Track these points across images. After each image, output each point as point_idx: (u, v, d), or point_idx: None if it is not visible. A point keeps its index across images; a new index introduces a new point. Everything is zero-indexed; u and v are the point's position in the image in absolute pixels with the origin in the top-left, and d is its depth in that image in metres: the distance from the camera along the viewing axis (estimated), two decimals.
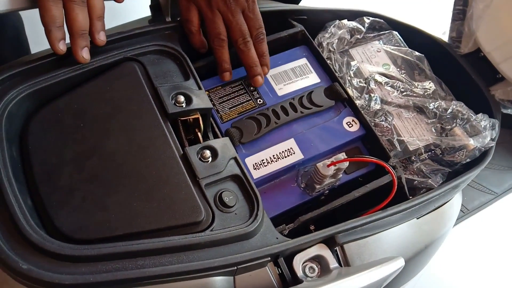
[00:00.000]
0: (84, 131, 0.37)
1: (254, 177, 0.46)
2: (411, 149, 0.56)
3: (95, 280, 0.29)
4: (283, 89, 0.52)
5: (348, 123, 0.51)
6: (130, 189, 0.35)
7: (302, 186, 0.48)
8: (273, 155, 0.47)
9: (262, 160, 0.47)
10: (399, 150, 0.55)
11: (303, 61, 0.54)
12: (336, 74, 0.59)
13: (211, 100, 0.49)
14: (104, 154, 0.36)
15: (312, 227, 0.48)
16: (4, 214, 0.31)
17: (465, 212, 0.89)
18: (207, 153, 0.38)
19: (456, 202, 0.58)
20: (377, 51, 0.65)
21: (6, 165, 0.33)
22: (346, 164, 0.44)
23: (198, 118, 0.42)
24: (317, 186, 0.46)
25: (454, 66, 0.69)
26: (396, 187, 0.44)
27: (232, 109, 0.50)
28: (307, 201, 0.48)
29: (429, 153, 0.57)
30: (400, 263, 0.38)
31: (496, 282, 1.12)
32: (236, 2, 0.47)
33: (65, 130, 0.37)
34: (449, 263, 1.11)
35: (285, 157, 0.47)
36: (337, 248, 0.41)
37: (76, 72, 0.39)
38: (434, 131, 0.57)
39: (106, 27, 0.48)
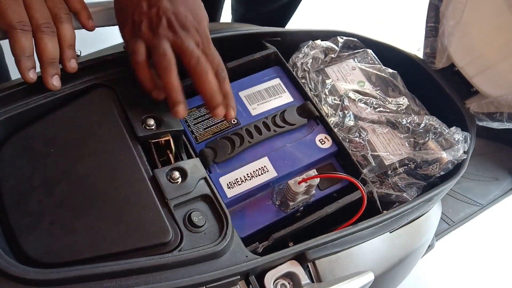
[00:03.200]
0: (54, 156, 0.38)
1: (228, 196, 0.46)
2: (386, 164, 0.57)
3: None
4: (256, 109, 0.53)
5: (321, 140, 0.52)
6: (98, 212, 0.36)
7: (277, 203, 0.49)
8: (247, 174, 0.48)
9: (236, 179, 0.47)
10: (374, 165, 0.56)
11: (277, 81, 0.56)
12: (311, 93, 0.61)
13: (185, 122, 0.50)
14: (73, 179, 0.37)
15: (291, 244, 0.49)
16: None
17: (451, 225, 0.90)
18: (176, 174, 0.39)
19: (433, 214, 0.58)
20: (352, 69, 0.67)
21: None
22: (317, 180, 0.45)
23: (169, 140, 0.43)
24: (291, 203, 0.47)
25: (429, 81, 0.71)
26: (365, 201, 0.44)
27: (206, 130, 0.51)
28: (283, 218, 0.48)
29: (404, 167, 0.58)
30: (369, 277, 0.38)
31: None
32: (187, 32, 0.41)
33: (35, 156, 0.38)
34: (436, 275, 1.11)
35: (259, 175, 0.48)
36: (308, 264, 0.41)
37: (48, 99, 0.40)
38: (407, 145, 0.58)
39: (83, 54, 0.50)
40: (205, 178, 0.41)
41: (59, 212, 0.35)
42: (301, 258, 0.40)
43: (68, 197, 0.36)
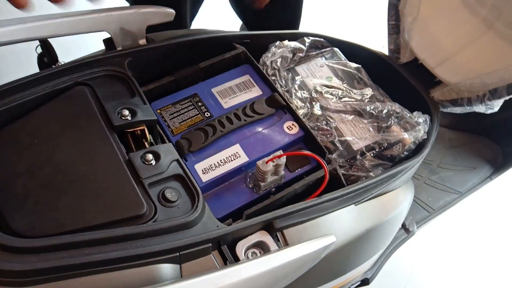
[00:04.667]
0: (37, 146, 0.42)
1: (203, 180, 0.50)
2: (354, 149, 0.61)
3: (42, 266, 0.33)
4: (228, 102, 0.57)
5: (289, 127, 0.56)
6: (78, 191, 0.40)
7: (250, 186, 0.52)
8: (220, 160, 0.52)
9: (210, 165, 0.51)
10: (342, 149, 0.60)
11: (246, 77, 0.60)
12: (282, 89, 0.65)
13: (162, 117, 0.55)
14: (55, 164, 0.41)
15: None
16: None
17: (431, 212, 0.93)
18: (150, 156, 0.43)
19: (402, 193, 0.62)
20: (320, 66, 0.72)
21: None
22: (283, 159, 0.49)
23: (144, 129, 0.47)
24: (262, 184, 0.51)
25: (396, 75, 0.75)
26: (327, 175, 0.48)
27: (181, 123, 0.55)
28: (256, 199, 0.52)
29: (372, 152, 0.62)
30: (331, 239, 0.42)
31: (463, 278, 1.13)
32: None
33: (20, 146, 0.42)
34: (418, 261, 1.14)
35: (232, 160, 0.52)
36: (277, 234, 0.45)
37: (31, 97, 0.45)
38: (372, 130, 0.62)
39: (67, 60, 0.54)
40: (177, 160, 0.45)
41: (43, 193, 0.39)
42: (269, 228, 0.44)
43: (51, 180, 0.40)
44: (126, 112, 0.45)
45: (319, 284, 0.50)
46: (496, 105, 0.69)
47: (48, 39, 0.56)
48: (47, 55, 0.57)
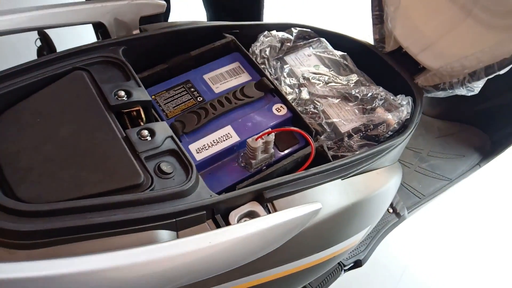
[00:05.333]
0: (40, 125, 0.45)
1: (197, 159, 0.53)
2: (342, 131, 0.64)
3: (48, 228, 0.36)
4: (219, 87, 0.60)
5: (277, 109, 0.59)
6: (79, 164, 0.42)
7: (242, 165, 0.55)
8: (213, 140, 0.55)
9: (203, 145, 0.54)
10: (329, 131, 0.63)
11: (236, 64, 0.63)
12: (271, 77, 0.68)
13: (157, 102, 0.57)
14: (57, 140, 0.44)
15: None
16: None
17: (421, 198, 0.96)
18: (145, 132, 0.46)
19: (388, 172, 0.65)
20: (308, 55, 0.75)
21: None
22: (272, 136, 0.52)
23: (139, 110, 0.49)
24: (253, 162, 0.53)
25: (381, 64, 0.78)
26: (313, 150, 0.51)
27: (175, 108, 0.58)
28: (248, 176, 0.54)
29: (359, 134, 0.65)
30: (317, 206, 0.45)
31: (454, 263, 1.16)
32: None
33: (24, 125, 0.45)
34: (409, 246, 1.17)
35: (224, 140, 0.55)
36: (268, 204, 0.47)
37: (33, 80, 0.47)
38: (357, 112, 0.66)
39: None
40: (171, 137, 0.47)
41: (46, 166, 0.42)
42: (260, 198, 0.47)
43: (53, 154, 0.43)
44: (122, 93, 0.48)
45: (310, 253, 0.52)
46: (476, 87, 0.72)
47: (47, 32, 0.59)
48: (46, 47, 0.60)
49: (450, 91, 0.74)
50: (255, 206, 0.46)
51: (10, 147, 0.43)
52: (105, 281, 0.33)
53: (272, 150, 0.54)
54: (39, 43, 0.62)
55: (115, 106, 0.47)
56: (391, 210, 0.88)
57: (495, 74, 0.67)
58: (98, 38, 0.61)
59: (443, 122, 1.14)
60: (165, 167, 0.44)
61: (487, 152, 1.07)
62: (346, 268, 0.75)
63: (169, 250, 0.36)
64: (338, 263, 0.74)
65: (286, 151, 0.57)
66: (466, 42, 0.75)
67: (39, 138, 0.44)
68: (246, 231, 0.40)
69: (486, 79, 0.70)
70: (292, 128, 0.54)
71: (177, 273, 0.36)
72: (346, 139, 0.64)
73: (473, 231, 1.23)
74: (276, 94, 0.60)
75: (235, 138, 0.55)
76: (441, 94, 0.76)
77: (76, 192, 0.40)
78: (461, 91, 0.73)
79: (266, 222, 0.41)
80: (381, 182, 0.61)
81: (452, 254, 1.18)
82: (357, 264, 0.78)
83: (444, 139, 1.11)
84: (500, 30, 0.70)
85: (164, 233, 0.41)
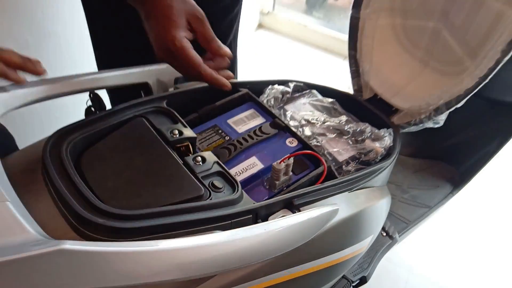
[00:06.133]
0: (117, 158, 0.57)
1: None
2: (340, 160, 0.79)
3: (141, 225, 0.47)
4: (241, 128, 0.75)
5: (290, 142, 0.73)
6: (153, 184, 0.54)
7: (267, 187, 0.68)
8: (242, 168, 0.68)
9: (235, 173, 0.67)
10: (330, 159, 0.78)
11: (252, 111, 0.79)
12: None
13: None
14: (132, 168, 0.56)
15: None
16: (83, 200, 0.49)
17: (408, 223, 1.10)
18: (199, 158, 0.59)
19: (382, 190, 0.79)
20: (303, 104, 0.92)
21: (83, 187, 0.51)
22: (291, 160, 0.66)
23: (188, 145, 0.63)
24: (277, 182, 0.67)
25: (362, 109, 0.96)
26: (326, 167, 0.66)
27: (208, 146, 0.71)
28: (272, 196, 0.67)
29: (355, 161, 0.80)
30: (334, 207, 0.58)
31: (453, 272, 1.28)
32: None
33: (105, 159, 0.57)
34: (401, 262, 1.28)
35: (251, 168, 0.68)
36: (295, 211, 0.60)
37: (105, 126, 0.61)
38: (351, 143, 0.81)
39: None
40: (217, 162, 0.61)
41: (128, 187, 0.54)
42: (290, 206, 0.59)
43: (132, 178, 0.55)
44: (176, 132, 0.62)
45: (328, 253, 0.64)
46: (441, 120, 0.90)
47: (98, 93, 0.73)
48: (97, 106, 0.73)
49: (420, 125, 0.92)
50: (286, 212, 0.59)
51: (97, 175, 0.55)
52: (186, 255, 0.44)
53: (291, 173, 0.68)
54: (89, 103, 0.75)
55: (172, 141, 0.61)
56: (384, 234, 1.01)
57: (454, 108, 0.85)
58: (140, 95, 0.76)
59: (417, 160, 1.32)
60: (217, 183, 0.57)
61: (457, 182, 1.24)
62: (354, 284, 0.86)
63: (236, 234, 0.48)
64: (347, 279, 0.85)
65: (300, 174, 0.70)
66: (428, 86, 0.95)
67: (118, 167, 0.56)
68: (286, 223, 0.52)
69: (448, 112, 0.88)
70: (308, 151, 0.69)
71: (241, 252, 0.48)
72: (344, 166, 0.78)
73: (471, 242, 1.36)
74: (287, 131, 0.75)
75: (260, 166, 0.69)
76: (413, 128, 0.94)
77: (154, 203, 0.52)
78: (429, 124, 0.91)
79: (300, 217, 0.54)
80: (377, 197, 0.75)
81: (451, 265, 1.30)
82: (363, 280, 0.89)
83: (419, 173, 1.28)
84: (452, 75, 0.90)
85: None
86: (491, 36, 0.79)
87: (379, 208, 0.76)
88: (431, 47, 0.95)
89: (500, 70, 0.98)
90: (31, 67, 0.59)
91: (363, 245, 0.73)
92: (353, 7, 0.96)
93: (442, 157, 1.30)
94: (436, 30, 0.92)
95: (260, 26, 2.28)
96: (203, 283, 0.51)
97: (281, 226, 0.52)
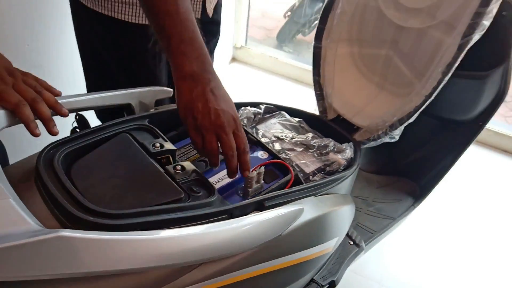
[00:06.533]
0: (104, 167, 0.63)
1: None
2: (307, 171, 0.87)
3: (127, 223, 0.53)
4: None
5: (261, 155, 0.81)
6: (138, 189, 0.61)
7: (241, 195, 0.75)
8: (219, 178, 0.75)
9: (212, 182, 0.74)
10: (298, 171, 0.86)
11: None
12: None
13: None
14: (119, 176, 0.62)
15: None
16: (74, 202, 0.54)
17: (373, 233, 1.18)
18: (178, 167, 0.66)
19: (345, 197, 0.87)
20: (274, 123, 1.01)
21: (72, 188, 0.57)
22: (263, 168, 0.74)
23: (169, 157, 0.70)
24: (250, 190, 0.74)
25: (327, 128, 1.05)
26: (293, 174, 0.73)
27: (187, 159, 0.78)
28: None
29: (321, 172, 0.88)
30: (300, 206, 0.66)
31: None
32: (229, 125, 0.64)
33: (93, 169, 0.63)
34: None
35: (225, 178, 0.75)
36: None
37: (93, 140, 0.67)
38: (316, 155, 0.90)
39: None
40: (195, 170, 0.68)
41: (114, 192, 0.60)
42: (261, 208, 0.67)
43: (117, 185, 0.61)
44: (157, 145, 0.69)
45: (298, 250, 0.71)
46: (396, 135, 1.00)
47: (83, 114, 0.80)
48: (82, 127, 0.79)
49: (379, 140, 1.02)
50: (258, 213, 0.66)
51: (85, 183, 0.61)
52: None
53: (262, 181, 0.76)
54: (75, 124, 0.82)
55: (154, 153, 0.68)
56: (352, 242, 1.08)
57: (406, 123, 0.96)
58: (123, 115, 0.83)
59: (381, 177, 1.42)
60: (195, 188, 0.64)
61: (417, 195, 1.34)
62: (324, 287, 0.92)
63: (209, 228, 0.55)
64: (317, 283, 0.91)
65: (271, 183, 0.78)
66: (384, 106, 1.06)
67: (105, 175, 0.62)
68: (256, 219, 0.59)
69: (402, 128, 0.99)
70: (277, 160, 0.76)
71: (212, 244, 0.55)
72: (311, 177, 0.87)
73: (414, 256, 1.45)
74: (259, 145, 0.83)
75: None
76: (373, 143, 1.04)
77: (138, 205, 0.58)
78: (386, 139, 1.01)
79: (268, 214, 0.61)
80: (341, 203, 0.83)
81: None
82: (332, 284, 0.95)
83: (383, 188, 1.37)
84: (404, 95, 1.01)
85: None
86: (433, 60, 0.91)
87: (342, 213, 0.84)
88: (385, 72, 1.07)
89: (446, 91, 1.11)
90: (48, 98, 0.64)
91: (328, 246, 0.80)
92: (316, 38, 1.08)
93: (404, 173, 1.40)
94: (388, 57, 1.05)
95: (233, 59, 2.40)
96: (182, 276, 0.57)
97: (252, 222, 0.59)
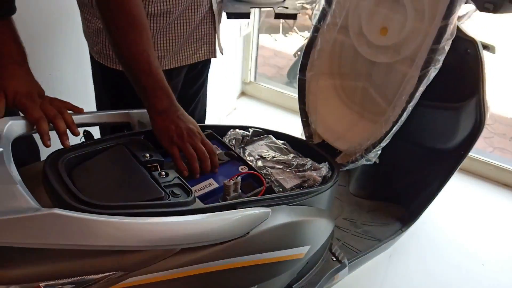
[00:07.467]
0: (100, 171, 0.76)
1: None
2: (286, 187, 0.97)
3: (113, 212, 0.64)
4: None
5: (241, 168, 0.92)
6: (126, 190, 0.72)
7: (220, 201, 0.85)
8: (201, 187, 0.86)
9: (194, 190, 0.85)
10: (277, 186, 0.96)
11: (214, 146, 0.98)
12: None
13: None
14: (111, 178, 0.74)
15: None
16: (70, 195, 0.66)
17: (358, 253, 1.24)
18: (163, 173, 0.77)
19: (320, 212, 0.96)
20: (261, 145, 1.12)
21: (69, 183, 0.69)
22: (239, 178, 0.84)
23: (157, 165, 0.82)
24: (227, 197, 0.84)
25: (312, 152, 1.15)
26: (265, 183, 0.84)
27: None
28: None
29: (299, 187, 0.98)
30: (267, 210, 0.75)
31: None
32: (196, 137, 0.87)
33: (90, 172, 0.75)
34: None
35: (208, 187, 0.86)
36: None
37: (93, 149, 0.80)
38: (294, 173, 1.00)
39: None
40: (177, 177, 0.79)
41: (106, 190, 0.71)
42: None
43: (110, 185, 0.72)
44: (147, 155, 0.81)
45: (262, 251, 0.79)
46: (372, 158, 1.10)
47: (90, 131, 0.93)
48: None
49: (356, 163, 1.12)
50: None
51: (83, 183, 0.73)
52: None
53: (240, 191, 0.86)
54: (83, 139, 0.95)
55: (143, 161, 0.79)
56: (334, 258, 1.15)
57: (379, 146, 1.06)
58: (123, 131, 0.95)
59: (372, 202, 1.49)
60: (176, 190, 0.75)
61: (406, 220, 1.41)
62: None
63: (182, 218, 0.65)
64: None
65: (249, 194, 0.88)
66: (363, 132, 1.16)
67: (100, 178, 0.74)
68: (224, 215, 0.70)
69: (377, 152, 1.08)
70: (251, 171, 0.87)
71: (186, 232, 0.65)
72: (289, 192, 0.96)
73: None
74: (241, 160, 0.94)
75: (215, 185, 0.87)
76: (351, 166, 1.13)
77: (124, 201, 0.69)
78: (363, 162, 1.11)
79: (236, 212, 0.71)
80: (314, 215, 0.92)
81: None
82: None
83: (372, 213, 1.44)
84: (379, 123, 1.11)
85: None
86: (399, 90, 1.01)
87: (316, 224, 0.92)
88: (363, 101, 1.18)
89: (426, 121, 1.20)
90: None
91: (299, 252, 0.88)
92: (300, 71, 1.20)
93: (393, 199, 1.47)
94: (365, 88, 1.16)
95: (242, 93, 2.56)
96: (160, 261, 0.66)
97: (220, 217, 0.69)
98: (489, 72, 1.15)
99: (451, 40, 0.91)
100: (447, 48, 0.91)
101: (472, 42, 1.06)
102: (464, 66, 1.11)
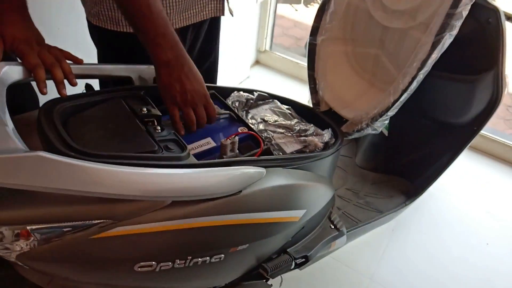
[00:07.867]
0: (96, 122, 0.75)
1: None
2: (287, 151, 0.95)
3: (103, 162, 0.64)
4: None
5: (241, 129, 0.91)
6: (119, 140, 0.72)
7: None
8: (198, 145, 0.85)
9: (191, 148, 0.84)
10: (277, 149, 0.94)
11: (216, 107, 0.97)
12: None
13: None
14: (106, 130, 0.74)
15: None
16: (62, 142, 0.66)
17: (358, 223, 1.23)
18: (159, 128, 0.77)
19: (319, 178, 0.94)
20: (265, 109, 1.10)
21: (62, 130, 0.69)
22: (237, 138, 0.83)
23: (154, 120, 0.81)
24: (224, 157, 0.83)
25: (318, 119, 1.12)
26: (262, 144, 0.82)
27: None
28: None
29: (301, 153, 0.96)
30: (259, 169, 0.74)
31: None
32: (200, 101, 0.83)
33: (86, 122, 0.75)
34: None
35: (205, 145, 0.85)
36: None
37: (93, 100, 0.79)
38: (296, 138, 0.98)
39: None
40: (174, 133, 0.78)
41: (100, 141, 0.71)
42: None
43: (104, 136, 0.72)
44: (145, 109, 0.80)
45: (256, 211, 0.79)
46: (377, 127, 1.06)
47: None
48: None
49: (362, 132, 1.09)
50: None
51: (77, 132, 0.72)
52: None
53: (237, 151, 0.84)
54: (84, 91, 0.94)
55: (140, 116, 0.79)
56: (332, 226, 1.14)
57: (386, 116, 1.02)
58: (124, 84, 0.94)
59: (376, 174, 1.46)
60: (170, 145, 0.74)
61: (410, 194, 1.38)
62: (296, 260, 0.99)
63: (172, 170, 0.64)
64: (290, 255, 0.98)
65: (246, 154, 0.87)
66: (371, 101, 1.12)
67: (94, 128, 0.74)
68: (216, 170, 0.69)
69: (384, 121, 1.05)
70: (249, 131, 0.85)
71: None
72: (286, 155, 0.94)
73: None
74: (241, 121, 0.93)
75: (212, 144, 0.86)
76: (357, 134, 1.10)
77: (120, 151, 0.69)
78: (369, 131, 1.08)
79: (228, 169, 0.70)
80: (312, 180, 0.91)
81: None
82: (306, 258, 1.01)
83: (377, 185, 1.42)
84: (387, 91, 1.07)
85: None
86: (411, 57, 0.97)
87: (314, 189, 0.91)
88: (375, 70, 1.14)
89: (441, 94, 1.16)
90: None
91: (294, 215, 0.88)
92: (311, 34, 1.16)
93: (399, 173, 1.44)
94: (377, 56, 1.11)
95: (256, 62, 2.51)
96: (151, 212, 0.66)
97: (212, 172, 0.68)
98: (510, 45, 1.09)
99: (469, 5, 0.86)
100: (464, 13, 0.86)
101: (494, 10, 1.00)
102: (483, 36, 1.06)
